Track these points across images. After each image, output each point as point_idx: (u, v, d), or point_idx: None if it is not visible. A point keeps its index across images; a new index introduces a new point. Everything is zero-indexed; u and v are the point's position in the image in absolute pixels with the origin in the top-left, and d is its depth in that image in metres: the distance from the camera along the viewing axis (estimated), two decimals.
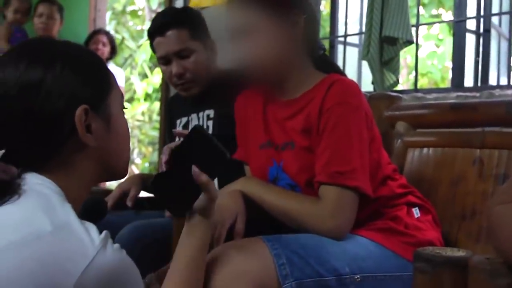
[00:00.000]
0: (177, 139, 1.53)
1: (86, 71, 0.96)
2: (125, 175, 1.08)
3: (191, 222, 1.07)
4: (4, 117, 0.90)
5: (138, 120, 7.39)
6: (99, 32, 4.36)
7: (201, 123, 1.81)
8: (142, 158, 7.55)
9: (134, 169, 7.27)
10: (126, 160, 1.04)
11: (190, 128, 1.83)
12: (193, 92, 1.80)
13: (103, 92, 0.97)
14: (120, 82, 4.42)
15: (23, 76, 0.90)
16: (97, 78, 0.97)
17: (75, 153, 0.93)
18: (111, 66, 4.36)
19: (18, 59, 0.92)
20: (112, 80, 1.00)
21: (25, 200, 0.87)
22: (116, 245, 0.86)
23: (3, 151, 0.89)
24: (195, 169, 1.02)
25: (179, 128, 1.89)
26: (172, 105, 2.00)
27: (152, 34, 1.81)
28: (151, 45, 1.85)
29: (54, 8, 3.82)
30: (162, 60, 1.80)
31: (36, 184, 0.89)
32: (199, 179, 1.02)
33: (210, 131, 1.78)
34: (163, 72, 1.84)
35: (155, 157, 6.94)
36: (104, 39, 4.26)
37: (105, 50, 4.24)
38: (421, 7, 6.21)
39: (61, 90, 0.91)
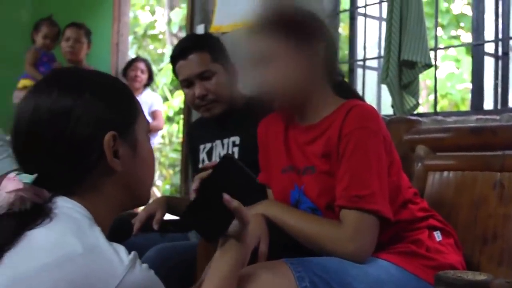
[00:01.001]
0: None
1: (114, 99, 1.00)
2: (148, 201, 1.11)
3: (225, 246, 1.08)
4: (37, 142, 0.94)
5: (158, 143, 7.46)
6: (137, 59, 4.47)
7: (226, 149, 1.84)
8: (163, 181, 7.59)
9: (156, 191, 7.31)
10: (149, 186, 1.07)
11: (214, 153, 1.87)
12: (215, 112, 1.84)
13: (130, 119, 1.01)
14: (159, 106, 4.49)
15: (55, 103, 0.94)
16: (124, 105, 1.01)
17: (102, 178, 0.97)
18: (149, 92, 4.45)
19: (50, 87, 0.96)
20: (138, 107, 1.04)
21: (56, 223, 0.90)
22: (145, 265, 0.89)
23: (35, 175, 0.93)
24: (226, 196, 1.04)
25: (203, 154, 1.92)
26: (194, 130, 2.03)
27: (175, 58, 1.87)
28: (174, 70, 1.90)
29: (81, 32, 3.88)
30: (185, 82, 1.85)
31: (66, 208, 0.93)
32: (230, 206, 1.04)
33: (236, 158, 1.81)
34: (186, 95, 1.88)
35: (176, 179, 6.98)
36: (142, 66, 4.37)
37: (143, 77, 4.35)
38: (439, 28, 6.22)
39: (90, 117, 0.95)
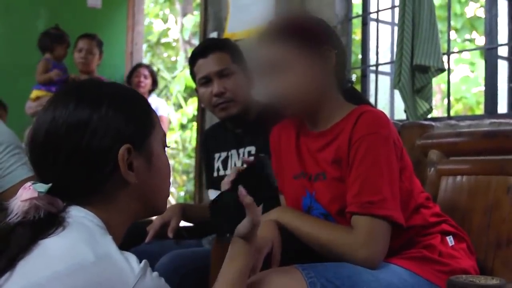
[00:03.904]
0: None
1: (130, 112, 1.01)
2: (163, 212, 1.12)
3: (234, 247, 1.11)
4: (52, 153, 0.96)
5: (172, 149, 7.48)
6: (140, 66, 4.51)
7: (241, 159, 1.85)
8: (177, 187, 7.62)
9: (170, 198, 7.34)
10: (165, 198, 1.09)
11: (229, 163, 1.89)
12: (231, 112, 1.84)
13: (145, 132, 1.02)
14: (164, 112, 4.52)
15: (71, 116, 0.96)
16: (140, 118, 1.02)
17: (117, 189, 0.98)
18: (154, 97, 4.49)
19: (68, 99, 0.98)
20: (155, 119, 1.05)
21: (69, 232, 0.92)
22: (155, 273, 0.91)
23: (50, 184, 0.94)
24: (242, 190, 1.08)
25: (218, 163, 1.93)
26: (209, 138, 2.04)
27: (195, 57, 1.88)
28: (191, 71, 1.91)
29: (93, 43, 3.93)
30: (203, 80, 1.85)
31: (79, 217, 0.94)
32: (244, 200, 1.08)
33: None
34: (202, 95, 1.88)
35: (190, 185, 7.01)
36: (146, 72, 4.41)
37: (147, 83, 4.39)
38: (453, 32, 6.19)
39: (106, 130, 0.96)
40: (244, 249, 1.11)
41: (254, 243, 1.12)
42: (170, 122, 7.46)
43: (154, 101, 4.46)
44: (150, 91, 4.44)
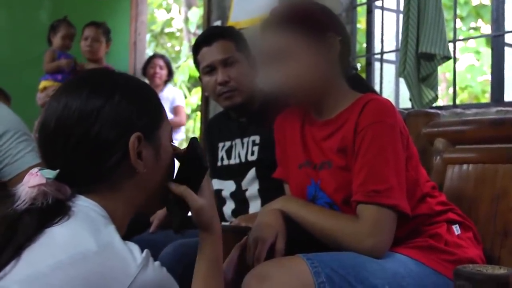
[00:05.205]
0: None
1: (142, 102, 1.02)
2: (164, 206, 1.12)
3: (199, 240, 1.10)
4: (62, 139, 0.96)
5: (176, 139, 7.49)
6: (155, 56, 4.52)
7: (246, 148, 1.83)
8: None
9: None
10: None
11: (233, 152, 1.87)
12: (236, 101, 1.83)
13: (155, 122, 1.03)
14: (180, 101, 4.51)
15: (84, 104, 0.96)
16: (151, 109, 1.03)
17: (124, 178, 0.99)
18: (170, 87, 4.48)
19: (82, 87, 0.99)
20: (164, 112, 1.06)
21: (72, 221, 0.92)
22: (157, 263, 0.91)
23: (57, 171, 0.94)
24: (171, 184, 1.06)
25: (222, 152, 1.92)
26: (213, 127, 2.03)
27: (199, 44, 1.87)
28: (195, 60, 1.90)
29: (100, 31, 3.90)
30: (207, 68, 1.84)
31: (83, 207, 0.94)
32: (176, 192, 1.06)
33: (256, 156, 1.80)
34: (206, 84, 1.86)
35: None
36: (161, 62, 4.41)
37: (162, 73, 4.38)
38: (459, 20, 6.14)
39: (117, 119, 0.97)
40: (207, 240, 1.09)
41: (213, 230, 1.09)
42: None
43: (170, 91, 4.45)
44: (166, 82, 4.43)
